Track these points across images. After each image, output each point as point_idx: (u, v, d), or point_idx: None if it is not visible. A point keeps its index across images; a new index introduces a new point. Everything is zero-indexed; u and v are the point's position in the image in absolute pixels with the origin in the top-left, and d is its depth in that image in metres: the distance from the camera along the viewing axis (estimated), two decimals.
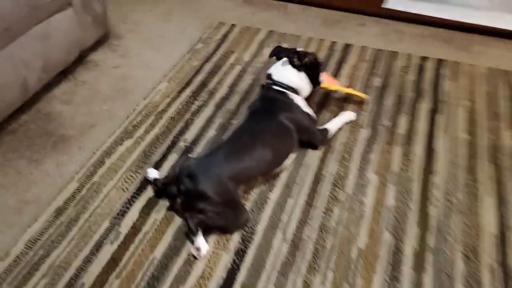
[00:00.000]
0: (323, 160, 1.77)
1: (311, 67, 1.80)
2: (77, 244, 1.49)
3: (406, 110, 2.01)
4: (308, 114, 1.76)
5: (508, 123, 1.94)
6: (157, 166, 1.76)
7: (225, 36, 2.52)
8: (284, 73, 1.77)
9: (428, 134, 1.89)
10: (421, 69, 2.26)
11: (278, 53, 1.85)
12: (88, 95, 2.14)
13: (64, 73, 2.23)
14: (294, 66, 1.77)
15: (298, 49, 1.82)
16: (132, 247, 1.48)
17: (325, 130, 1.82)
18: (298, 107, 1.74)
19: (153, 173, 1.69)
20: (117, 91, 2.17)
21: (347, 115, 1.93)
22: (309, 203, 1.62)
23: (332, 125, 1.86)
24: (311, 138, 1.78)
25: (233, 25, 2.61)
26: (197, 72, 2.27)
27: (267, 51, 2.31)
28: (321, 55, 2.34)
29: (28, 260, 1.45)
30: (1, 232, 1.54)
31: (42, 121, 1.99)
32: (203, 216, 1.46)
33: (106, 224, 1.55)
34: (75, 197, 1.65)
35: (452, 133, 1.90)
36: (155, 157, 1.81)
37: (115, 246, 1.48)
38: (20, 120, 1.99)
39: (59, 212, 1.60)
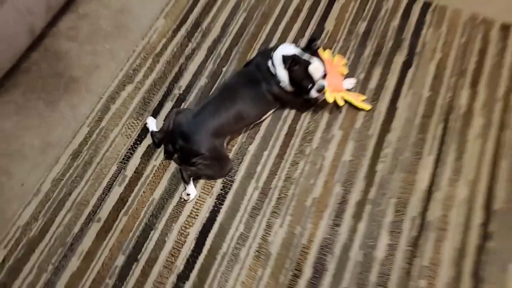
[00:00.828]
0: (298, 114, 2.05)
1: (296, 77, 1.85)
2: (92, 185, 1.90)
3: (382, 63, 2.19)
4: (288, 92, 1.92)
5: (472, 81, 2.13)
6: (154, 113, 2.06)
7: None
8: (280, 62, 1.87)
9: (395, 90, 2.11)
10: (407, 14, 2.34)
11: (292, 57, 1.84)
12: (91, 31, 2.32)
13: (67, 4, 2.37)
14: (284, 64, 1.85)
15: (304, 56, 1.84)
16: (136, 189, 1.89)
17: (309, 98, 1.96)
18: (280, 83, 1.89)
19: (151, 124, 1.99)
20: (117, 28, 2.33)
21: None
22: (280, 155, 1.96)
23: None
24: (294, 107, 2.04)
25: None
26: (192, 6, 2.38)
27: None
28: None
29: (55, 197, 1.88)
30: (32, 170, 1.94)
31: (51, 60, 2.23)
32: (195, 168, 1.83)
33: (114, 168, 1.94)
34: (87, 141, 2.00)
35: (417, 89, 2.11)
36: (153, 104, 2.09)
37: (122, 187, 1.89)
38: (31, 59, 2.23)
39: (75, 155, 1.97)
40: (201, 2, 2.40)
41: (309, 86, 1.85)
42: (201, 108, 1.89)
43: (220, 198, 1.87)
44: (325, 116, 2.04)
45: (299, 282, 1.70)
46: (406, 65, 2.18)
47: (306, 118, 2.04)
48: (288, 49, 1.87)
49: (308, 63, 1.82)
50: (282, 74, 1.86)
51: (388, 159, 1.94)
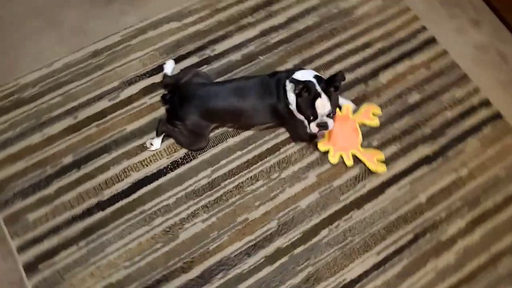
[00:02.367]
0: (291, 139, 2.01)
1: (301, 103, 1.78)
2: (89, 87, 2.05)
3: (404, 142, 2.04)
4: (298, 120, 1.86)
5: (473, 220, 1.93)
6: (178, 59, 2.12)
7: None
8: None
9: (396, 176, 1.98)
10: (468, 113, 2.11)
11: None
12: None
13: None
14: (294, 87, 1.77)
15: (317, 87, 1.75)
16: (118, 112, 2.01)
17: (304, 133, 1.91)
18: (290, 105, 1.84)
19: (169, 67, 2.06)
20: None
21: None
22: (249, 164, 1.96)
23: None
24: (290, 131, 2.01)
25: None
26: None
27: None
28: None
29: (58, 77, 2.05)
30: (57, 44, 2.12)
31: None
32: (172, 128, 1.90)
33: (115, 84, 2.06)
34: (111, 48, 2.12)
35: (415, 188, 1.97)
36: (183, 50, 2.14)
37: (109, 103, 2.02)
38: None
39: (95, 53, 2.11)
40: None
41: (311, 118, 1.79)
42: (213, 85, 1.91)
43: (174, 165, 1.94)
44: (313, 156, 1.98)
45: (181, 276, 1.78)
46: (425, 161, 2.01)
47: (295, 147, 2.00)
48: (307, 74, 1.81)
49: (318, 95, 1.75)
50: (291, 97, 1.81)
51: (337, 232, 1.87)
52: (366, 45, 2.22)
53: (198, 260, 1.80)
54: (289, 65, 2.14)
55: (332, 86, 1.77)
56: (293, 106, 1.82)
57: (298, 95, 1.77)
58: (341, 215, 1.90)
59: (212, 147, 1.98)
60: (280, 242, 1.85)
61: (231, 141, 1.99)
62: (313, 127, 1.80)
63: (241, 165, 1.96)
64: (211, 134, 1.98)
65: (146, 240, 1.82)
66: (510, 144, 2.07)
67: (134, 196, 1.88)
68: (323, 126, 1.79)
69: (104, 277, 1.75)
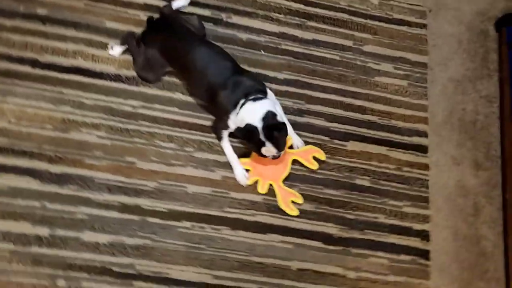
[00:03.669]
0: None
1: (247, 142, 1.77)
2: None
3: None
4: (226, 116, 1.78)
5: None
6: (192, 3, 2.08)
7: None
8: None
9: None
10: None
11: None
12: None
13: None
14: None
15: (260, 135, 1.68)
16: (111, 5, 2.01)
17: (219, 132, 1.86)
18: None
19: (181, 2, 2.05)
20: None
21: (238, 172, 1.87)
22: (173, 124, 1.91)
23: (225, 146, 1.88)
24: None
25: None
26: None
27: None
28: None
29: None
30: None
31: None
32: (135, 46, 1.90)
33: None
34: None
35: None
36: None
37: None
38: None
39: None
40: None
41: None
42: (194, 38, 1.87)
43: (116, 78, 1.93)
44: (219, 155, 1.89)
45: (45, 163, 1.78)
46: (326, 239, 1.87)
47: (208, 133, 1.92)
48: (259, 108, 1.69)
49: (262, 144, 1.69)
50: (238, 117, 1.72)
51: (197, 232, 1.79)
52: (361, 109, 2.09)
53: (67, 162, 1.79)
54: (280, 76, 2.07)
55: (275, 131, 1.69)
56: (234, 120, 1.76)
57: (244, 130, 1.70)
58: (213, 222, 1.82)
59: (159, 88, 1.95)
60: (144, 202, 1.80)
61: (178, 95, 1.96)
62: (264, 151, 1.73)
63: (168, 120, 1.92)
64: (167, 78, 1.96)
65: (43, 116, 1.83)
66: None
67: (65, 76, 1.90)
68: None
69: None
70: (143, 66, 1.91)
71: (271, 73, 2.07)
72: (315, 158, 1.94)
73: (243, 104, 1.72)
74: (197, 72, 1.81)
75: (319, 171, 1.95)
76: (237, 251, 1.79)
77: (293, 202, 1.86)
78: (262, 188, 1.85)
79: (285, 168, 1.89)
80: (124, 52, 1.96)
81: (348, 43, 2.19)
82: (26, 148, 1.78)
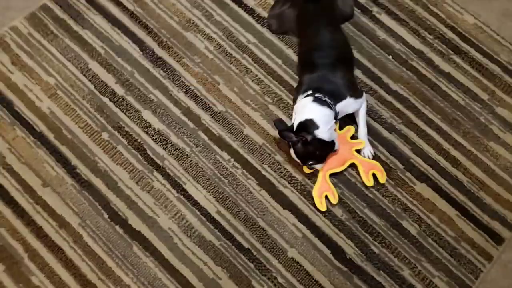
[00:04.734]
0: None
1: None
2: None
3: None
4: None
5: None
6: None
7: None
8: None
9: None
10: None
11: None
12: None
13: None
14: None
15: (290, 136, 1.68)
16: None
17: (294, 100, 1.82)
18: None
19: None
20: None
21: None
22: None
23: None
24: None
25: None
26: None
27: None
28: None
29: None
30: None
31: None
32: None
33: None
34: None
35: None
36: None
37: None
38: None
39: None
40: None
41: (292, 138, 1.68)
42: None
43: (251, 12, 2.07)
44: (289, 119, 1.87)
45: None
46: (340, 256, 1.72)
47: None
48: (316, 109, 1.68)
49: (289, 145, 1.71)
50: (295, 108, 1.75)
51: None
52: (455, 162, 1.84)
53: (171, 52, 2.00)
54: (393, 86, 1.96)
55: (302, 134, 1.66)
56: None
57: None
58: (247, 168, 1.83)
59: (277, 38, 2.02)
60: (205, 117, 1.90)
61: (289, 51, 2.01)
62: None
63: (268, 66, 1.98)
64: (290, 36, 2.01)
65: (178, 9, 2.06)
66: None
67: None
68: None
69: None
70: (276, 15, 2.00)
71: (386, 79, 1.97)
72: (374, 176, 1.80)
73: (306, 96, 1.70)
74: (310, 45, 1.84)
75: (372, 189, 1.80)
76: (250, 205, 1.77)
77: (326, 197, 1.76)
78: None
79: (340, 164, 1.79)
80: None
81: (483, 96, 1.96)
82: (150, 24, 2.02)
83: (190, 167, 1.81)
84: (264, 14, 2.06)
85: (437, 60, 2.02)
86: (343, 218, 1.76)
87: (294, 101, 1.79)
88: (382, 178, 1.80)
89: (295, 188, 1.80)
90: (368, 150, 1.83)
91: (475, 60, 2.02)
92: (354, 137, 1.83)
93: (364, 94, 1.83)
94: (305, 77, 1.77)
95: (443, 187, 1.82)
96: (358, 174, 1.80)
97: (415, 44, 2.04)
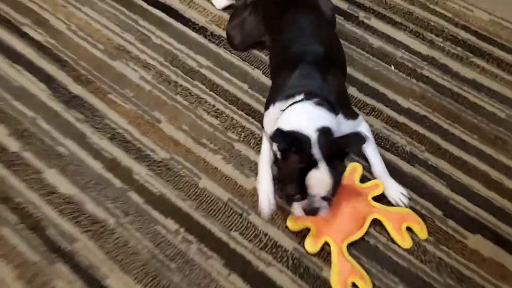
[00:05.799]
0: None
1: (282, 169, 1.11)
2: None
3: None
4: None
5: None
6: None
7: None
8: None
9: None
10: None
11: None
12: None
13: None
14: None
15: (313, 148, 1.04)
16: None
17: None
18: None
19: None
20: None
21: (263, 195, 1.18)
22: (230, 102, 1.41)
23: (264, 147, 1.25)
24: None
25: None
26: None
27: None
28: None
29: None
30: None
31: None
32: (241, 2, 1.54)
33: None
34: None
35: None
36: None
37: None
38: None
39: None
40: None
41: (292, 194, 1.08)
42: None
43: (201, 30, 1.58)
44: None
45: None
46: None
47: None
48: (314, 115, 1.11)
49: (314, 164, 1.04)
50: (286, 117, 1.14)
51: None
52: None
53: (92, 87, 1.44)
54: (404, 104, 1.42)
55: (340, 154, 1.07)
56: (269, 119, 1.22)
57: (282, 154, 1.07)
58: (208, 241, 1.17)
59: (239, 57, 1.52)
60: (139, 171, 1.28)
61: (256, 72, 1.50)
62: (296, 208, 1.10)
63: (229, 93, 1.44)
64: (256, 52, 1.51)
65: (103, 35, 1.57)
66: None
67: (150, 8, 1.64)
68: (311, 211, 1.08)
69: None
70: (238, 25, 1.51)
71: (392, 95, 1.44)
72: (408, 230, 1.17)
73: (297, 101, 1.13)
74: (285, 37, 1.31)
75: (403, 253, 1.16)
76: None
77: (354, 285, 1.10)
78: (313, 244, 1.14)
79: (358, 227, 1.16)
80: (226, 9, 1.61)
81: None
82: (65, 56, 1.49)
83: (116, 248, 1.16)
84: (219, 31, 1.57)
85: (454, 65, 1.51)
86: None
87: (267, 109, 1.23)
88: (422, 232, 1.18)
89: (284, 264, 1.15)
90: (396, 191, 1.22)
91: (504, 61, 1.53)
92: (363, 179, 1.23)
93: (361, 117, 1.28)
94: (282, 75, 1.22)
95: (506, 236, 1.19)
96: (386, 231, 1.17)
97: (420, 49, 1.55)
